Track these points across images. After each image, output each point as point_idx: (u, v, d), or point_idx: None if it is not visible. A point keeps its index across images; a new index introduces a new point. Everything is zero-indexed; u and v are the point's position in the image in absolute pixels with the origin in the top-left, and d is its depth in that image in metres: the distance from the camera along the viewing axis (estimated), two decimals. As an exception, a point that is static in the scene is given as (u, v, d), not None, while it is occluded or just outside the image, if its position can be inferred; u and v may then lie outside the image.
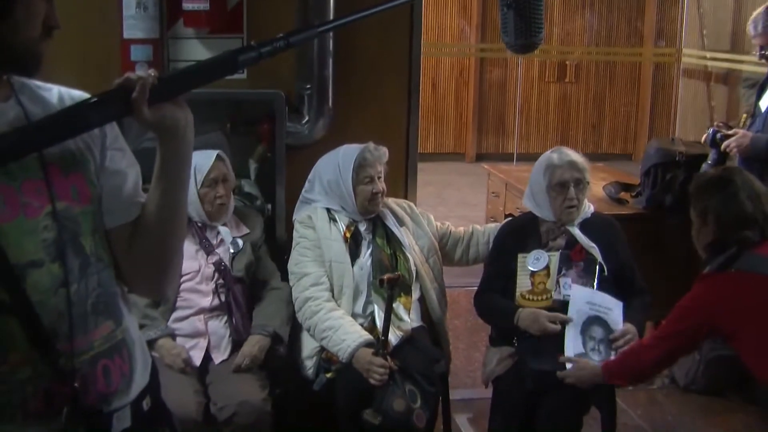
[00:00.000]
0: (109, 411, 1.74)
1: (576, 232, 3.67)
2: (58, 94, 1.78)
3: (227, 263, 3.58)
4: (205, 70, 1.69)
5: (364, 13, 1.85)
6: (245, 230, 3.74)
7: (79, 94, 1.81)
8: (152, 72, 1.64)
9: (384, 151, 3.74)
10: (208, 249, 3.58)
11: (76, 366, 1.66)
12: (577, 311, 3.51)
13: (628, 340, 3.44)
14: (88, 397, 1.69)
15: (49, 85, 1.79)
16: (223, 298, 3.53)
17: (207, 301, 3.51)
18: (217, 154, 3.63)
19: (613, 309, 3.52)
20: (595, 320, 3.50)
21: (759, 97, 4.55)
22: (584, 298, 3.54)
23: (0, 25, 1.58)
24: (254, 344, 3.46)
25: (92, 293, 1.72)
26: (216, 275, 3.54)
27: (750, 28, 4.61)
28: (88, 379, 1.69)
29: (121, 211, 1.80)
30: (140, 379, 1.85)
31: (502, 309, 3.66)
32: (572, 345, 3.45)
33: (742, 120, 4.61)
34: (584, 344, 3.46)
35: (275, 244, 3.95)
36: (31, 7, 1.61)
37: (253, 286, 3.68)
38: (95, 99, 1.64)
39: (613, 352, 3.45)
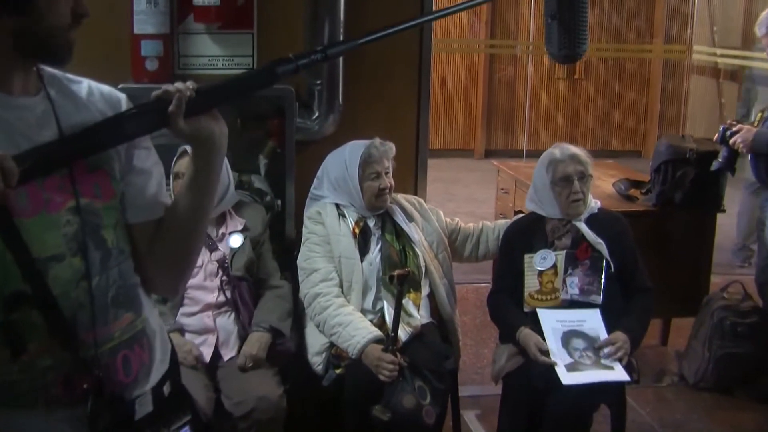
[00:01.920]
0: (132, 398, 1.77)
1: (583, 227, 3.67)
2: (88, 87, 1.80)
3: (229, 260, 3.57)
4: (242, 83, 1.73)
5: (406, 24, 1.85)
6: (242, 225, 3.68)
7: (109, 90, 1.84)
8: (190, 84, 1.66)
9: (391, 147, 3.74)
10: (211, 246, 3.57)
11: (97, 356, 1.69)
12: (552, 330, 3.53)
13: (618, 347, 3.45)
14: (109, 384, 1.71)
15: (79, 78, 1.81)
16: (228, 294, 3.53)
17: (213, 298, 3.50)
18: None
19: (587, 319, 3.56)
20: (571, 334, 3.52)
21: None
22: (553, 317, 3.57)
23: (25, 14, 1.59)
24: (253, 343, 3.45)
25: (113, 285, 1.75)
26: (220, 271, 3.54)
27: (758, 29, 4.60)
28: (109, 368, 1.72)
29: (145, 209, 1.83)
30: (160, 366, 1.89)
31: (507, 324, 3.68)
32: (560, 359, 3.45)
33: (758, 117, 4.60)
34: (570, 355, 3.47)
35: (284, 240, 3.95)
36: None
37: (254, 283, 3.68)
38: (133, 111, 1.67)
39: (602, 358, 3.46)
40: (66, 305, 1.65)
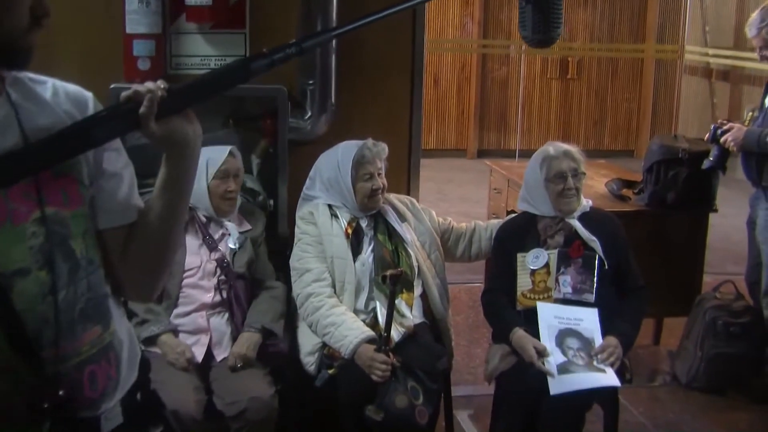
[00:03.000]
0: (97, 415, 1.71)
1: (576, 224, 3.67)
2: (53, 88, 1.73)
3: (229, 259, 3.57)
4: (215, 81, 1.64)
5: (379, 14, 1.80)
6: (247, 226, 3.73)
7: (75, 89, 1.76)
8: (161, 84, 1.59)
9: (383, 147, 3.73)
10: (211, 245, 3.57)
11: (62, 372, 1.62)
12: (547, 327, 3.53)
13: (611, 353, 3.46)
14: (75, 403, 1.65)
15: (43, 78, 1.73)
16: (224, 294, 3.52)
17: (209, 297, 3.50)
18: (230, 150, 3.63)
19: (584, 318, 3.55)
20: (567, 332, 3.52)
21: (766, 94, 4.55)
22: (551, 312, 3.56)
23: None
24: (243, 343, 3.45)
25: (81, 298, 1.67)
26: (218, 271, 3.54)
27: (748, 30, 4.61)
28: (74, 385, 1.65)
29: (117, 213, 1.77)
30: (128, 377, 1.82)
31: (501, 323, 3.68)
32: (552, 357, 3.46)
33: (748, 117, 4.61)
34: (564, 354, 3.47)
35: (277, 240, 3.95)
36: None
37: (250, 284, 3.68)
38: (103, 113, 1.59)
39: (595, 360, 3.46)
40: (30, 321, 1.57)
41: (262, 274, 3.71)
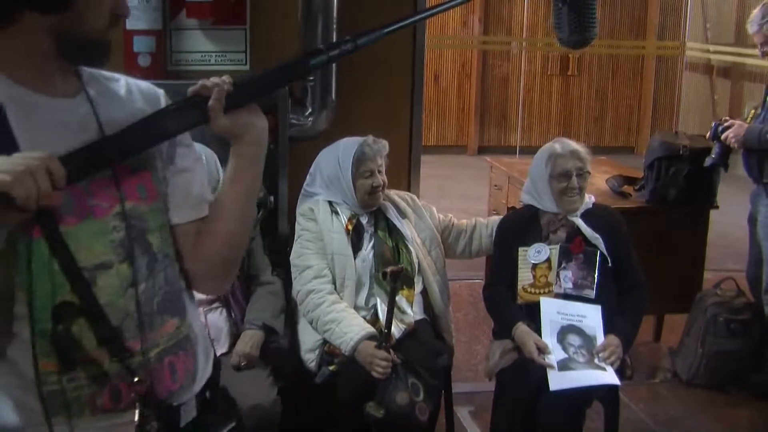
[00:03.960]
0: (178, 404, 1.76)
1: (579, 222, 3.67)
2: (126, 85, 1.78)
3: None
4: (278, 76, 1.69)
5: (434, 10, 1.85)
6: None
7: (147, 85, 1.82)
8: (226, 78, 1.64)
9: (384, 144, 3.72)
10: None
11: (144, 363, 1.67)
12: (549, 322, 3.53)
13: (612, 352, 3.46)
14: (157, 393, 1.69)
15: (117, 75, 1.78)
16: None
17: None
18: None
19: (587, 315, 3.54)
20: (569, 329, 3.52)
21: (767, 91, 4.55)
22: (555, 308, 3.56)
23: (63, 16, 1.56)
24: (247, 341, 3.43)
25: (159, 291, 1.73)
26: None
27: (750, 27, 4.61)
28: (156, 375, 1.70)
29: (189, 209, 1.81)
30: (204, 372, 1.86)
31: (503, 318, 3.68)
32: (554, 354, 3.45)
33: (750, 114, 4.61)
34: (565, 350, 3.47)
35: (277, 237, 3.94)
36: None
37: (245, 280, 3.66)
38: (172, 108, 1.64)
39: (596, 358, 3.46)
40: (113, 314, 1.63)
41: (256, 269, 3.68)
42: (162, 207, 1.75)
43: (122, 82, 1.78)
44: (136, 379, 1.64)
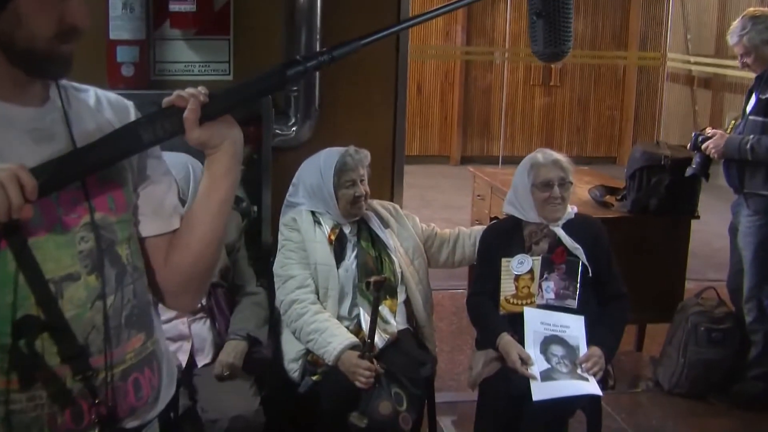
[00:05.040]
0: (138, 426, 1.72)
1: (560, 232, 3.68)
2: (95, 95, 1.74)
3: None
4: (255, 87, 1.64)
5: (411, 22, 1.82)
6: None
7: (116, 97, 1.78)
8: (202, 89, 1.60)
9: (366, 154, 3.72)
10: None
11: (108, 380, 1.62)
12: (533, 332, 3.54)
13: (595, 362, 3.47)
14: (119, 411, 1.65)
15: (85, 86, 1.75)
16: (204, 301, 3.50)
17: None
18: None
19: (570, 326, 3.56)
20: (552, 339, 3.53)
21: (747, 101, 4.59)
22: (538, 318, 3.57)
23: (3, 16, 1.51)
24: (230, 352, 3.42)
25: (127, 305, 1.68)
26: None
27: (730, 38, 4.64)
28: (120, 392, 1.65)
29: (161, 221, 1.77)
30: (167, 391, 1.81)
31: (487, 328, 3.68)
32: (537, 365, 3.46)
33: (731, 125, 4.64)
34: (548, 361, 3.48)
35: (261, 247, 3.94)
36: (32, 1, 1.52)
37: (229, 290, 3.65)
38: (146, 119, 1.60)
39: (579, 369, 3.47)
40: (79, 328, 1.58)
41: (241, 279, 3.67)
42: (131, 218, 1.71)
43: (91, 93, 1.74)
44: (96, 401, 1.59)
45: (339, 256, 3.64)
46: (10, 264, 1.51)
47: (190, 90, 1.60)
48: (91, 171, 1.57)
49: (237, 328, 3.50)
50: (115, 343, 1.64)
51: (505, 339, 3.53)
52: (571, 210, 3.79)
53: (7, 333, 1.51)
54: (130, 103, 1.79)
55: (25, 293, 1.52)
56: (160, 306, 3.00)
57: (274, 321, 3.69)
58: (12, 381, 1.53)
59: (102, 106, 1.73)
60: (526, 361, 3.44)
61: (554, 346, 3.51)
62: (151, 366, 1.74)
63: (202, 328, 3.48)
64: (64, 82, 1.68)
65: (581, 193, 5.26)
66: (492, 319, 3.66)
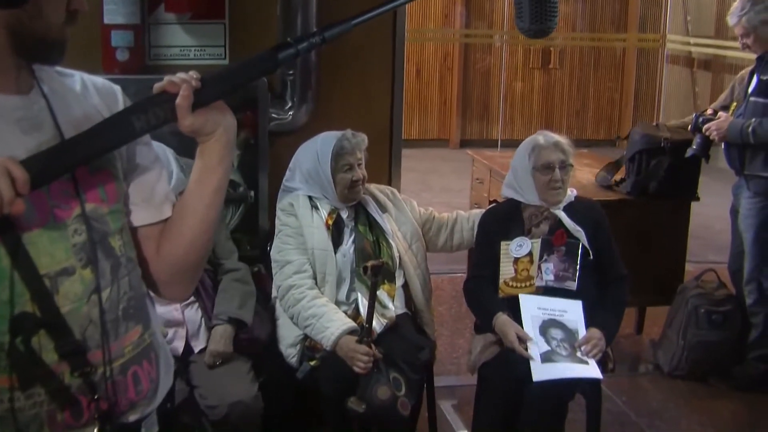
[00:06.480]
0: (138, 419, 1.69)
1: (562, 215, 3.67)
2: (81, 80, 1.71)
3: None
4: (246, 71, 1.61)
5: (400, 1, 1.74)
6: None
7: (102, 82, 1.75)
8: (194, 74, 1.57)
9: (363, 138, 3.70)
10: None
11: (108, 375, 1.60)
12: (531, 318, 3.53)
13: (594, 345, 3.45)
14: (118, 405, 1.63)
15: (70, 71, 1.71)
16: None
17: None
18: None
19: (568, 310, 3.55)
20: (551, 323, 3.52)
21: (749, 84, 4.56)
22: (535, 304, 3.56)
23: (19, 11, 1.49)
24: (218, 339, 3.40)
25: (123, 297, 1.65)
26: None
27: (730, 19, 4.62)
28: (119, 387, 1.63)
29: (152, 210, 1.74)
30: (165, 383, 1.79)
31: (484, 310, 3.67)
32: (536, 346, 3.45)
33: (733, 107, 4.62)
34: (548, 343, 3.47)
35: (258, 232, 3.93)
36: None
37: (213, 269, 3.61)
38: (138, 106, 1.56)
39: (579, 351, 3.46)
40: (76, 322, 1.55)
41: (220, 256, 3.62)
42: (122, 208, 1.68)
43: (77, 78, 1.71)
44: (96, 396, 1.56)
45: (336, 241, 3.62)
46: (3, 260, 1.48)
47: (181, 75, 1.56)
48: (83, 161, 1.53)
49: (219, 311, 3.47)
50: (112, 337, 1.61)
51: (501, 318, 3.51)
52: (571, 193, 3.77)
53: (4, 331, 1.49)
54: (117, 88, 1.76)
55: (21, 290, 1.49)
56: (153, 294, 2.97)
57: (271, 306, 3.68)
58: (11, 379, 1.50)
59: (89, 91, 1.70)
60: (524, 339, 3.43)
61: (553, 329, 3.50)
62: (149, 358, 1.72)
63: (194, 313, 3.47)
64: (49, 68, 1.65)
65: (580, 175, 5.24)
66: (488, 300, 3.64)
